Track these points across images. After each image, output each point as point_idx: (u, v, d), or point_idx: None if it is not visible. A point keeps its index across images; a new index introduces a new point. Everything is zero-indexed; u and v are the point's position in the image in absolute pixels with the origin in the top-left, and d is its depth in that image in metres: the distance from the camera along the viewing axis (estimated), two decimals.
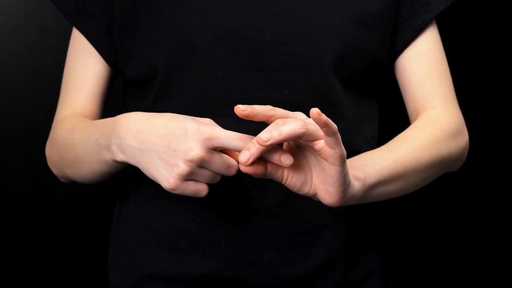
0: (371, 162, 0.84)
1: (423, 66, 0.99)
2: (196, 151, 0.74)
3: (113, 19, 0.97)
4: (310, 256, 0.91)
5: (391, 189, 0.87)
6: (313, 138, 0.72)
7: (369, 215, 0.98)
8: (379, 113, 1.03)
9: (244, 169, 0.74)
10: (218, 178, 0.78)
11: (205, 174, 0.76)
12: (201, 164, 0.75)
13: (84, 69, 1.00)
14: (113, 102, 1.07)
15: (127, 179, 0.99)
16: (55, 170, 1.00)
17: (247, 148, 0.73)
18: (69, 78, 1.01)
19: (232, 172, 0.77)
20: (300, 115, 0.76)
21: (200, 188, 0.77)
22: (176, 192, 0.77)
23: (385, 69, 1.00)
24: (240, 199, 0.90)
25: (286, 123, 0.71)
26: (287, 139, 0.71)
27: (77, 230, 1.77)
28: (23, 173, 1.74)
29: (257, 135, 0.71)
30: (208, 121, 0.78)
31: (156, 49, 0.92)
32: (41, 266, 1.77)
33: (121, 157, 0.81)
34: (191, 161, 0.74)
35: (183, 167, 0.75)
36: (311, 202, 0.91)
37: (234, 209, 0.90)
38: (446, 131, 0.94)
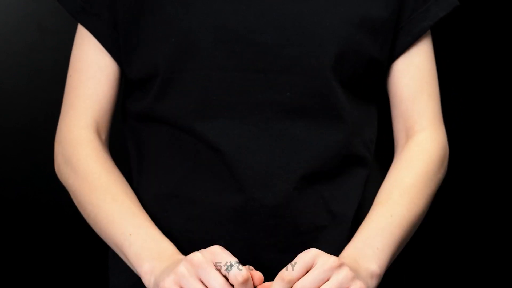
0: (380, 241, 0.87)
1: (415, 81, 0.99)
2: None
3: (117, 18, 0.96)
4: None
5: (396, 254, 0.92)
6: None
7: None
8: (377, 116, 1.03)
9: None
10: None
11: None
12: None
13: (98, 71, 0.97)
14: None
15: (128, 179, 0.99)
16: (61, 180, 1.01)
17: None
18: (82, 80, 0.97)
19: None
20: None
21: None
22: None
23: (384, 72, 1.00)
24: (240, 199, 0.90)
25: None
26: None
27: (77, 230, 1.77)
28: (23, 173, 1.74)
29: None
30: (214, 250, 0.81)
31: (158, 48, 0.92)
32: (41, 266, 1.77)
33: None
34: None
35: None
36: (311, 203, 0.91)
37: (234, 210, 0.90)
38: (435, 162, 0.97)
